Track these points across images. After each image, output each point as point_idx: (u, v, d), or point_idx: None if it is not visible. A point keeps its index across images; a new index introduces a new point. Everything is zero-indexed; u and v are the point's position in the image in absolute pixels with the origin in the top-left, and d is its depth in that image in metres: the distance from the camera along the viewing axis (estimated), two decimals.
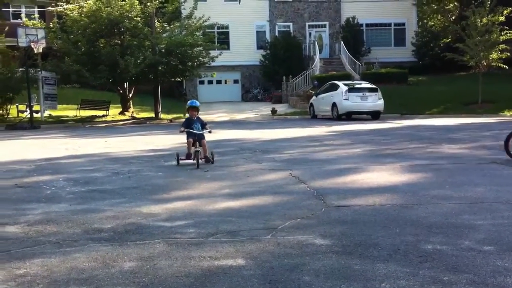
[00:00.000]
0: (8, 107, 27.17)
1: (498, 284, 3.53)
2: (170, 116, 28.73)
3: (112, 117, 27.93)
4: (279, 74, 36.03)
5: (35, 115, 25.41)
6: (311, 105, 26.53)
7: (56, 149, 13.31)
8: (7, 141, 16.64)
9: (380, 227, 4.99)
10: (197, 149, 9.40)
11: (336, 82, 25.34)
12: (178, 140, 14.87)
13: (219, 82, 40.08)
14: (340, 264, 3.97)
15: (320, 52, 37.63)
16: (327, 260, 4.06)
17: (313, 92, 28.35)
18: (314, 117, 25.97)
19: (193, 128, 9.80)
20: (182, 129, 9.95)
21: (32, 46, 24.85)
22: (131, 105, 30.08)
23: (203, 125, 10.00)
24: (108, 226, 5.34)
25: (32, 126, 23.17)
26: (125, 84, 29.09)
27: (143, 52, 26.63)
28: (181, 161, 9.59)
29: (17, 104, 27.32)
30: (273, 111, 28.98)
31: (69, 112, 28.57)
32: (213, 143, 14.36)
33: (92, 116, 27.92)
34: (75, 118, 27.32)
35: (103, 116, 28.00)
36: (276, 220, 5.35)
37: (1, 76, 26.12)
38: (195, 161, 9.28)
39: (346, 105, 23.29)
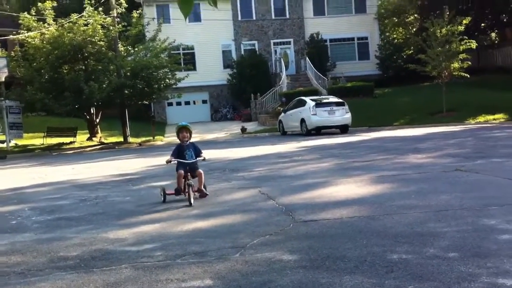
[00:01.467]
0: None
1: None
2: (139, 140, 28.53)
3: (80, 143, 27.59)
4: (247, 92, 36.19)
5: (0, 145, 24.91)
6: (280, 121, 26.66)
7: (22, 179, 13.07)
8: None
9: (347, 240, 5.02)
10: (189, 182, 7.68)
11: (304, 98, 25.54)
12: (148, 163, 14.76)
13: (187, 103, 40.03)
14: (307, 279, 3.97)
15: (286, 69, 37.97)
16: (295, 276, 4.06)
17: (281, 109, 28.51)
18: (284, 134, 26.08)
19: (184, 156, 7.98)
20: (170, 158, 7.99)
21: None
22: (99, 130, 29.78)
23: (197, 151, 8.09)
24: (74, 253, 5.25)
25: None
26: (91, 109, 28.82)
27: (108, 76, 26.46)
28: (168, 196, 7.97)
29: None
30: (243, 130, 29.04)
31: (36, 140, 28.13)
32: None
33: (59, 143, 27.53)
34: (42, 146, 26.90)
35: (71, 143, 27.63)
36: (244, 238, 5.34)
37: None
38: (186, 197, 7.65)
39: (314, 120, 23.47)
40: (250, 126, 30.91)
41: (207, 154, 16.98)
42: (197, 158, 7.98)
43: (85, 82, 25.46)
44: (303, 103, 24.58)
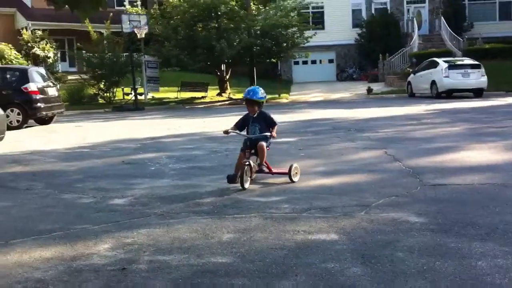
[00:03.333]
0: (114, 90, 28.72)
1: None
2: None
3: (210, 99, 28.73)
4: (375, 52, 35.22)
5: (139, 97, 26.66)
6: (409, 83, 25.79)
7: (159, 129, 14.00)
8: (115, 122, 17.68)
9: (478, 206, 4.87)
10: (247, 160, 6.15)
11: (436, 59, 24.40)
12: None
13: (313, 62, 39.83)
14: (435, 242, 3.95)
15: (418, 29, 36.25)
16: (422, 238, 4.05)
17: (411, 70, 27.49)
18: (412, 96, 25.23)
19: (248, 130, 6.44)
20: (228, 130, 6.48)
21: (136, 32, 26.00)
22: (228, 87, 30.72)
23: (269, 126, 6.38)
24: (208, 200, 5.62)
25: (136, 107, 24.34)
26: (222, 66, 29.75)
27: (238, 34, 27.05)
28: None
29: (122, 87, 28.78)
30: (369, 90, 28.45)
31: (170, 94, 29.72)
32: (308, 122, 14.48)
33: (192, 97, 28.86)
34: (175, 100, 28.37)
35: (202, 97, 28.85)
36: (370, 198, 5.37)
37: (108, 60, 27.62)
38: (237, 182, 6.03)
39: (446, 83, 22.41)
40: (377, 87, 30.16)
41: (331, 113, 17.12)
42: (258, 135, 6.29)
43: (217, 40, 26.27)
44: (435, 65, 23.52)
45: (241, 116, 6.61)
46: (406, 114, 15.32)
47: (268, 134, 6.27)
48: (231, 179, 6.06)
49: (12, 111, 15.39)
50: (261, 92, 6.35)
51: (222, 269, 3.56)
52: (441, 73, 22.55)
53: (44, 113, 16.52)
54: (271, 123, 6.38)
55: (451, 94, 22.70)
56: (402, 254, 3.70)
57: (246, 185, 6.01)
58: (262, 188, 6.06)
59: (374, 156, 8.09)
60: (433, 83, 22.97)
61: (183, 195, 5.91)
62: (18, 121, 15.77)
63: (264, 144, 6.26)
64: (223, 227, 4.57)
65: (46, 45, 31.03)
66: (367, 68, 37.74)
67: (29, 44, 30.66)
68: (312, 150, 8.97)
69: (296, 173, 6.41)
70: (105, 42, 29.27)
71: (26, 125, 16.13)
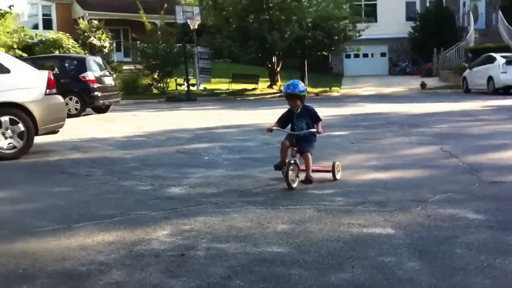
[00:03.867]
0: (168, 80, 29.23)
1: None
2: (316, 90, 28.93)
3: (261, 90, 28.84)
4: (429, 46, 34.46)
5: (191, 88, 27.06)
6: (464, 78, 25.15)
7: (211, 120, 14.19)
8: (169, 112, 18.01)
9: None
10: (293, 159, 5.77)
11: (493, 54, 23.70)
12: (325, 113, 14.95)
13: (365, 55, 39.37)
14: (494, 239, 3.88)
15: (475, 23, 35.19)
16: (480, 235, 3.99)
17: (466, 65, 26.79)
18: (467, 91, 24.61)
19: (294, 128, 6.06)
20: (271, 127, 6.01)
21: (189, 23, 26.34)
22: (279, 79, 30.76)
23: (315, 121, 5.99)
24: (261, 190, 5.69)
25: (189, 98, 24.70)
26: (273, 58, 29.80)
27: (290, 26, 27.01)
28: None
29: (175, 78, 29.26)
30: (422, 85, 27.91)
31: (222, 85, 30.01)
32: (360, 116, 14.35)
33: (243, 89, 29.06)
34: (227, 91, 28.64)
35: (253, 89, 29.01)
36: (426, 193, 5.31)
37: (162, 51, 28.12)
38: (284, 176, 5.68)
39: (503, 79, 21.76)
40: (430, 82, 29.55)
41: (384, 107, 16.91)
42: (304, 131, 5.92)
43: (268, 32, 26.33)
44: (492, 60, 22.87)
45: (283, 112, 6.14)
46: (462, 110, 14.97)
47: (315, 130, 5.88)
48: (277, 166, 5.95)
49: (70, 99, 15.89)
50: (301, 85, 5.95)
51: (278, 259, 3.62)
52: (499, 68, 21.93)
53: (101, 101, 17.00)
54: (316, 118, 5.97)
55: (508, 90, 22.02)
56: (461, 250, 3.65)
57: (294, 185, 5.63)
58: (314, 181, 6.07)
59: (430, 152, 7.97)
60: (490, 78, 22.35)
61: (237, 185, 5.99)
62: (76, 109, 16.30)
63: (310, 155, 5.88)
64: (278, 217, 4.62)
65: (102, 35, 31.84)
66: (420, 62, 37.02)
67: (85, 34, 31.54)
68: (365, 144, 8.91)
69: (339, 170, 6.18)
70: (159, 33, 29.81)
71: (84, 113, 16.64)
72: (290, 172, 5.60)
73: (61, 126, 9.44)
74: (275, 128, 5.97)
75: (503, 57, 22.76)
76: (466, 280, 3.14)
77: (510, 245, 3.73)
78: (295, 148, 5.85)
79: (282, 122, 6.08)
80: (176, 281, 3.27)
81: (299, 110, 5.97)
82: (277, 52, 28.10)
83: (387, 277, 3.24)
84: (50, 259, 3.75)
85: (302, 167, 5.88)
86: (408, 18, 38.68)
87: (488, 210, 4.64)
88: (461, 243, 3.80)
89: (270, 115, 15.07)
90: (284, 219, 4.57)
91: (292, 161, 5.70)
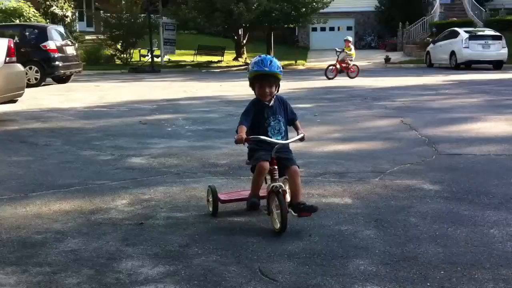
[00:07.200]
0: (131, 51, 28.71)
1: None
2: (282, 63, 28.85)
3: (227, 63, 28.63)
4: (395, 20, 34.67)
5: (155, 59, 26.65)
6: (428, 53, 25.47)
7: (175, 91, 14.05)
8: (132, 83, 17.73)
9: (493, 176, 4.89)
10: (277, 184, 3.59)
11: (456, 29, 24.03)
12: (289, 86, 14.96)
13: (331, 29, 39.33)
14: (448, 209, 3.98)
15: None
16: (435, 204, 4.09)
17: (430, 40, 27.11)
18: (430, 66, 24.95)
19: (266, 127, 3.79)
20: (244, 136, 3.66)
21: None
22: (245, 52, 30.56)
23: (291, 119, 3.93)
24: (223, 161, 5.69)
25: (153, 69, 24.34)
26: (239, 30, 29.54)
27: None
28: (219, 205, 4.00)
29: (139, 49, 28.75)
30: (387, 59, 28.15)
31: (187, 57, 29.65)
32: (324, 89, 14.42)
33: (208, 61, 28.79)
34: (192, 63, 28.33)
35: (218, 61, 28.77)
36: (384, 164, 5.40)
37: (126, 21, 27.54)
38: (269, 216, 3.69)
39: (466, 54, 22.12)
40: (395, 56, 29.82)
41: (348, 81, 17.06)
42: (294, 138, 3.78)
43: (235, 4, 26.02)
44: (455, 35, 23.18)
45: (246, 107, 3.83)
46: (424, 84, 15.19)
47: (302, 135, 3.80)
48: (252, 204, 3.72)
49: (30, 68, 15.47)
50: (278, 62, 3.84)
51: (237, 227, 3.65)
52: (461, 43, 22.26)
53: (62, 71, 16.63)
54: (294, 114, 3.96)
55: (470, 65, 22.42)
56: (415, 220, 3.74)
57: (278, 226, 3.55)
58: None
59: (390, 125, 8.09)
60: (453, 53, 22.69)
61: (199, 156, 5.98)
62: (36, 78, 15.89)
63: (297, 168, 3.75)
64: (239, 187, 4.63)
65: (64, 3, 30.95)
66: (385, 36, 37.23)
67: (47, 3, 30.58)
68: (328, 117, 8.98)
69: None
70: (123, 2, 29.13)
71: (43, 83, 16.25)
72: (273, 205, 3.62)
73: (20, 95, 9.23)
74: (252, 138, 3.69)
75: (466, 32, 23.07)
76: (419, 248, 3.22)
77: (463, 215, 3.84)
78: (275, 166, 3.67)
79: (252, 122, 3.77)
80: (133, 249, 3.26)
81: (272, 102, 3.84)
82: (243, 25, 27.83)
83: (343, 245, 3.30)
84: (4, 227, 3.70)
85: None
86: None
87: (443, 181, 4.75)
88: (416, 213, 3.90)
89: (235, 87, 15.05)
90: (245, 188, 4.58)
91: (278, 184, 3.60)
